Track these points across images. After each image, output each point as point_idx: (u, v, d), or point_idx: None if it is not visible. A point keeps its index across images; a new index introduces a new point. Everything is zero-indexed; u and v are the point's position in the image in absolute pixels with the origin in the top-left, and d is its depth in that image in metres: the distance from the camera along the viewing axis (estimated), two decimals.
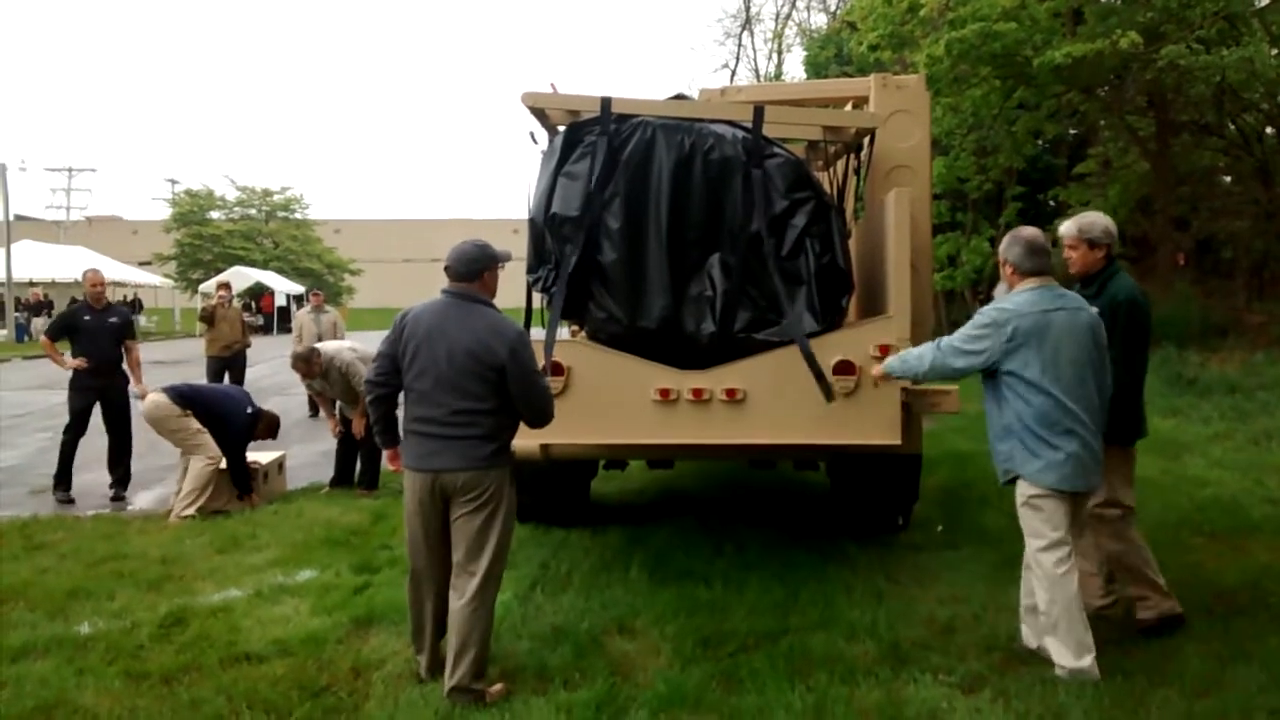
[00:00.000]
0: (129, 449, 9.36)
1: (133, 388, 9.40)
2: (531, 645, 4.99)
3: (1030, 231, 4.79)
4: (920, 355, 4.95)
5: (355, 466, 9.27)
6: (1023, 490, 4.60)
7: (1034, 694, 4.33)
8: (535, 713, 4.20)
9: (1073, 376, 4.52)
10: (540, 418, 4.53)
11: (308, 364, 8.78)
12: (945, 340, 4.83)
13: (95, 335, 9.15)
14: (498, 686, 4.43)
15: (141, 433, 12.58)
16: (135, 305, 45.43)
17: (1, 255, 34.26)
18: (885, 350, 5.57)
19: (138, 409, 8.84)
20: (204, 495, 8.08)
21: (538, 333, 5.64)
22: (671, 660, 4.76)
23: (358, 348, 9.22)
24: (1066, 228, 5.20)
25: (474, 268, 4.50)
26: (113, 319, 9.38)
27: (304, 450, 9.35)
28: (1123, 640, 4.98)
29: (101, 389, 9.16)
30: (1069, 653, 4.44)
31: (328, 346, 9.10)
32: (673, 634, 5.08)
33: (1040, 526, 4.55)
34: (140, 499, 9.22)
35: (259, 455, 9.10)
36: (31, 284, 38.43)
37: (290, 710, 4.30)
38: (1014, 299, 4.65)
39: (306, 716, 4.25)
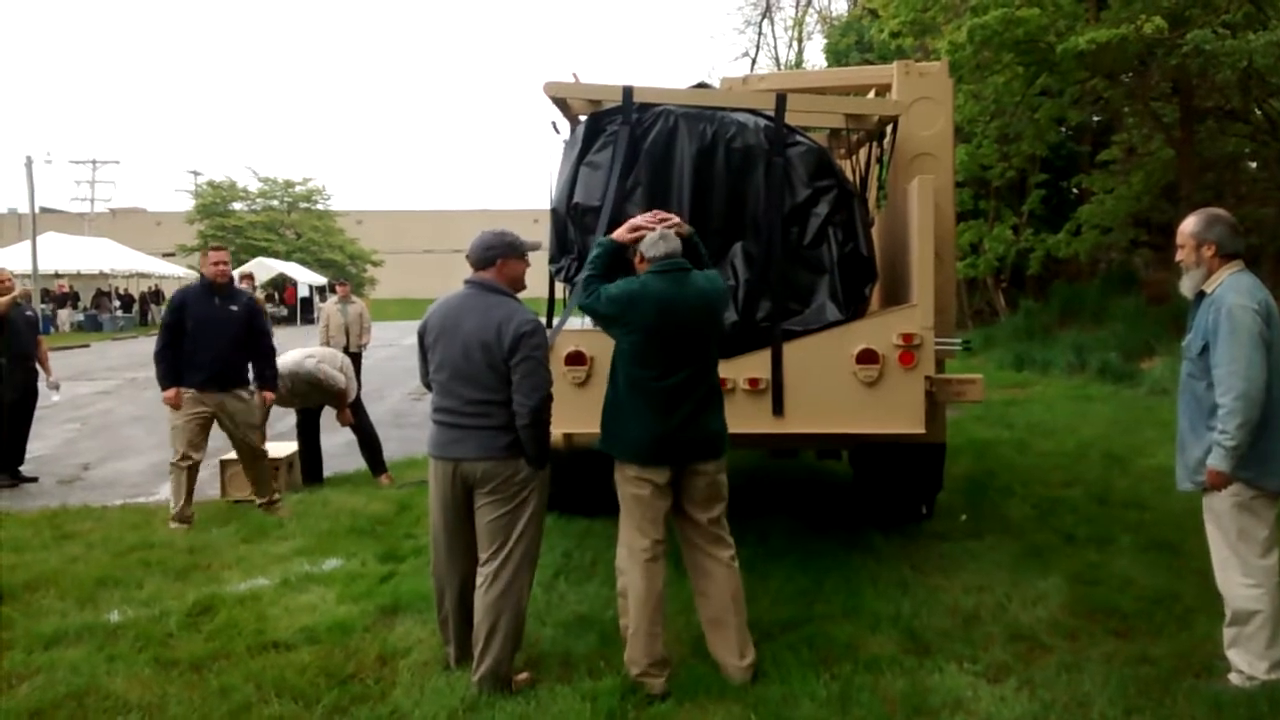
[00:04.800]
0: (27, 434, 9.88)
1: (49, 379, 10.10)
2: (556, 633, 5.02)
3: (1223, 210, 4.44)
4: (1232, 422, 4.09)
5: (321, 462, 9.30)
6: (1239, 490, 4.20)
7: (1059, 683, 4.33)
8: (560, 700, 4.22)
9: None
10: (530, 411, 4.27)
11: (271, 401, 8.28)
12: (1233, 376, 4.09)
13: (16, 327, 9.55)
14: (523, 674, 4.45)
15: (166, 424, 12.70)
16: (158, 296, 45.78)
17: (27, 247, 34.52)
18: (909, 339, 5.56)
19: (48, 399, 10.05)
20: (179, 501, 7.60)
21: (573, 323, 5.66)
22: (695, 649, 4.77)
23: (314, 352, 9.17)
24: None
25: (489, 255, 4.49)
26: (29, 313, 10.03)
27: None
28: (1150, 627, 4.97)
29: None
30: (1264, 665, 4.18)
31: (284, 364, 8.55)
32: (696, 623, 5.07)
33: (1256, 529, 4.21)
34: (166, 489, 9.25)
35: (279, 447, 9.16)
36: (57, 276, 38.75)
37: (318, 698, 4.34)
38: (1243, 284, 4.23)
39: (334, 704, 4.28)
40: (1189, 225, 4.39)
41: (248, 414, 7.75)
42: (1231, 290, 4.22)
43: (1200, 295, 4.37)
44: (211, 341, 7.53)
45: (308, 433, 9.20)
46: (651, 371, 4.41)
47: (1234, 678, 4.24)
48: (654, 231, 4.54)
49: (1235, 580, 4.25)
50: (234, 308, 7.66)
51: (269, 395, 8.00)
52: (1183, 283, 4.47)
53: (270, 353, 8.02)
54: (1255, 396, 4.08)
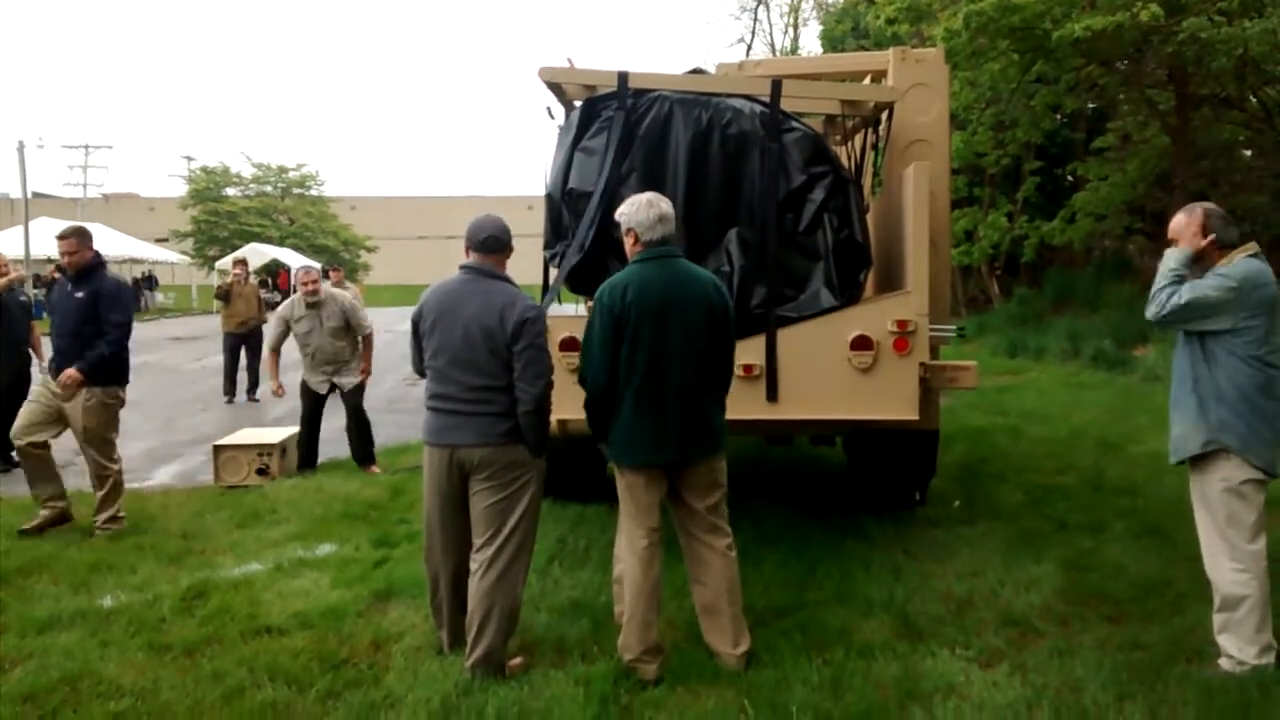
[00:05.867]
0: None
1: (41, 364, 9.56)
2: (550, 619, 5.03)
3: (1210, 204, 4.50)
4: (1166, 296, 4.28)
5: (317, 449, 9.24)
6: (1229, 473, 4.27)
7: (1051, 668, 4.35)
8: (554, 685, 4.23)
9: None
10: (534, 398, 4.29)
11: (316, 283, 8.98)
12: (1200, 287, 4.23)
13: (9, 312, 9.41)
14: (517, 659, 4.46)
15: (159, 409, 12.69)
16: (151, 281, 45.65)
17: (19, 233, 34.42)
18: (903, 325, 5.56)
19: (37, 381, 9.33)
20: (32, 487, 7.16)
21: (568, 308, 5.64)
22: (688, 634, 4.78)
23: None
24: None
25: (507, 238, 4.52)
26: (22, 298, 9.82)
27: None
28: (1142, 613, 4.99)
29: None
30: (1254, 649, 4.20)
31: (333, 289, 9.33)
32: (690, 608, 5.08)
33: (1245, 514, 4.25)
34: (160, 474, 9.28)
35: (272, 433, 9.15)
36: (49, 261, 38.60)
37: (311, 682, 4.34)
38: (1254, 265, 4.28)
39: (327, 688, 4.29)
40: (1182, 220, 4.44)
41: (80, 418, 6.87)
42: (1246, 264, 4.28)
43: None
44: (57, 329, 7.02)
45: (312, 418, 9.15)
46: (646, 365, 4.33)
47: (1224, 663, 4.26)
48: (652, 210, 4.41)
49: (1224, 565, 4.28)
50: (79, 294, 6.91)
51: (70, 374, 6.77)
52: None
53: (107, 333, 6.89)
54: (1185, 310, 4.21)
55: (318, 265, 9.25)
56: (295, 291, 9.10)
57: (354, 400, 9.11)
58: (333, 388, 9.08)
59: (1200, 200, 4.66)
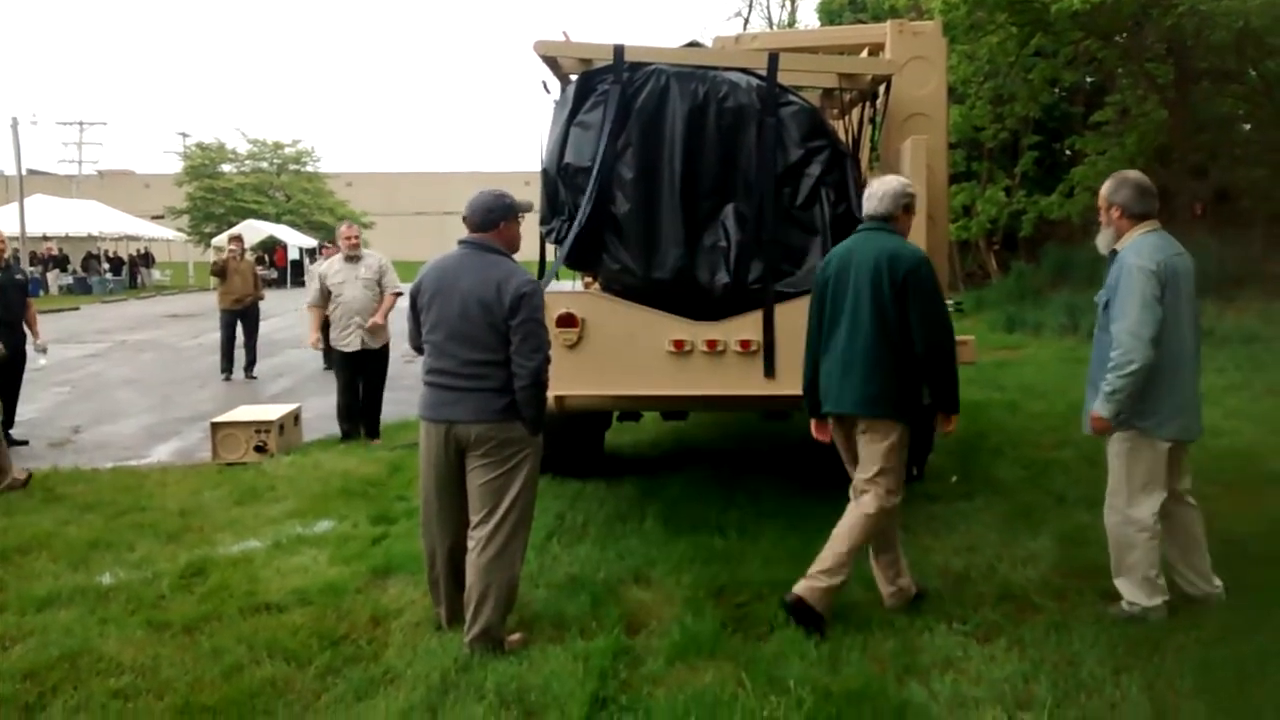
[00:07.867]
0: (17, 397, 9.77)
1: (36, 342, 9.79)
2: (549, 595, 5.04)
3: (1137, 174, 4.71)
4: (1120, 375, 4.41)
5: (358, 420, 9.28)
6: (1131, 439, 4.58)
7: (1049, 642, 4.36)
8: (553, 661, 4.24)
9: (1192, 323, 4.57)
10: (530, 373, 4.26)
11: (358, 238, 9.26)
12: (1122, 331, 4.41)
13: (6, 291, 9.38)
14: (516, 635, 4.47)
15: (156, 387, 12.67)
16: (147, 259, 45.52)
17: (14, 210, 34.31)
18: None
19: (35, 363, 9.79)
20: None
21: (565, 285, 5.62)
22: (686, 609, 4.79)
23: None
24: None
25: (490, 217, 4.45)
26: (18, 276, 9.79)
27: (320, 403, 9.39)
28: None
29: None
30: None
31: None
32: (688, 583, 5.11)
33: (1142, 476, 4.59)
34: (157, 452, 9.28)
35: (272, 409, 9.14)
36: (45, 238, 38.50)
37: (310, 659, 4.35)
38: (1146, 244, 4.50)
39: (326, 665, 4.30)
40: (1103, 188, 4.71)
41: None
42: (1133, 251, 4.51)
43: (1114, 253, 4.66)
44: None
45: (350, 386, 9.20)
46: (827, 325, 4.72)
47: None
48: (870, 189, 4.75)
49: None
50: None
51: None
52: (1097, 240, 4.81)
53: None
54: (1139, 351, 4.35)
55: (358, 224, 9.27)
56: (323, 254, 9.12)
57: (377, 369, 9.15)
58: (363, 350, 9.03)
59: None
